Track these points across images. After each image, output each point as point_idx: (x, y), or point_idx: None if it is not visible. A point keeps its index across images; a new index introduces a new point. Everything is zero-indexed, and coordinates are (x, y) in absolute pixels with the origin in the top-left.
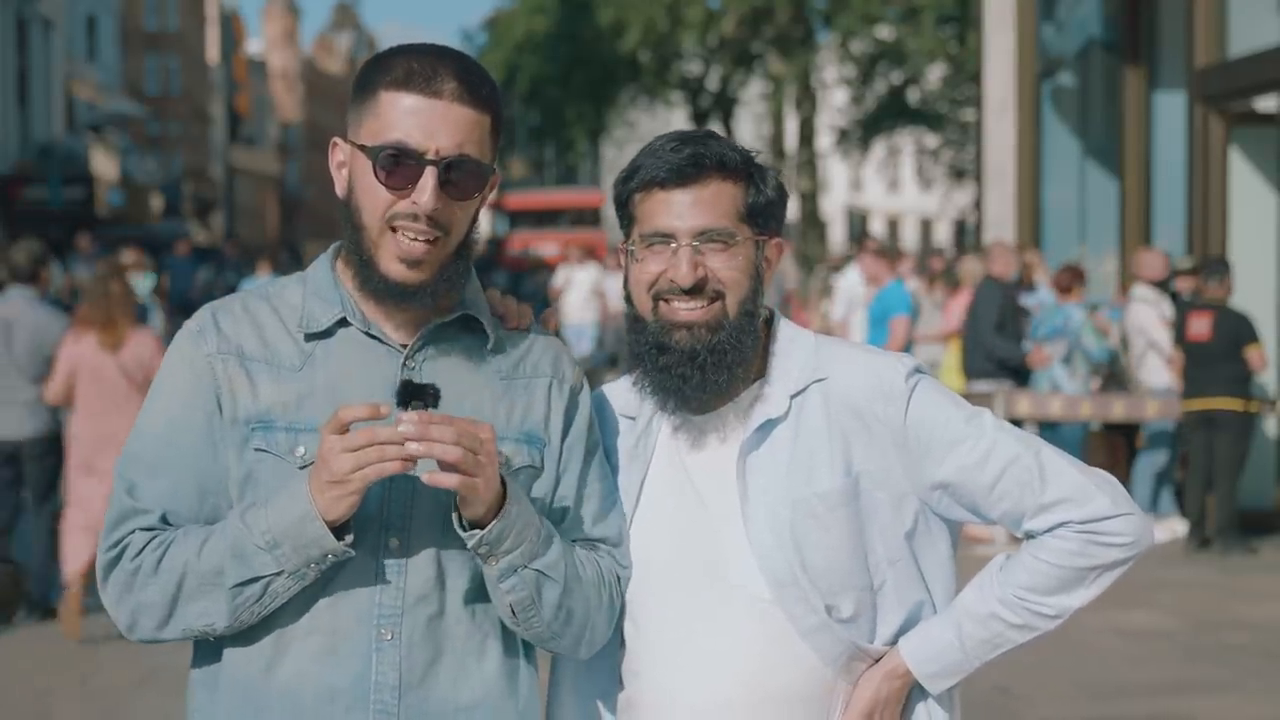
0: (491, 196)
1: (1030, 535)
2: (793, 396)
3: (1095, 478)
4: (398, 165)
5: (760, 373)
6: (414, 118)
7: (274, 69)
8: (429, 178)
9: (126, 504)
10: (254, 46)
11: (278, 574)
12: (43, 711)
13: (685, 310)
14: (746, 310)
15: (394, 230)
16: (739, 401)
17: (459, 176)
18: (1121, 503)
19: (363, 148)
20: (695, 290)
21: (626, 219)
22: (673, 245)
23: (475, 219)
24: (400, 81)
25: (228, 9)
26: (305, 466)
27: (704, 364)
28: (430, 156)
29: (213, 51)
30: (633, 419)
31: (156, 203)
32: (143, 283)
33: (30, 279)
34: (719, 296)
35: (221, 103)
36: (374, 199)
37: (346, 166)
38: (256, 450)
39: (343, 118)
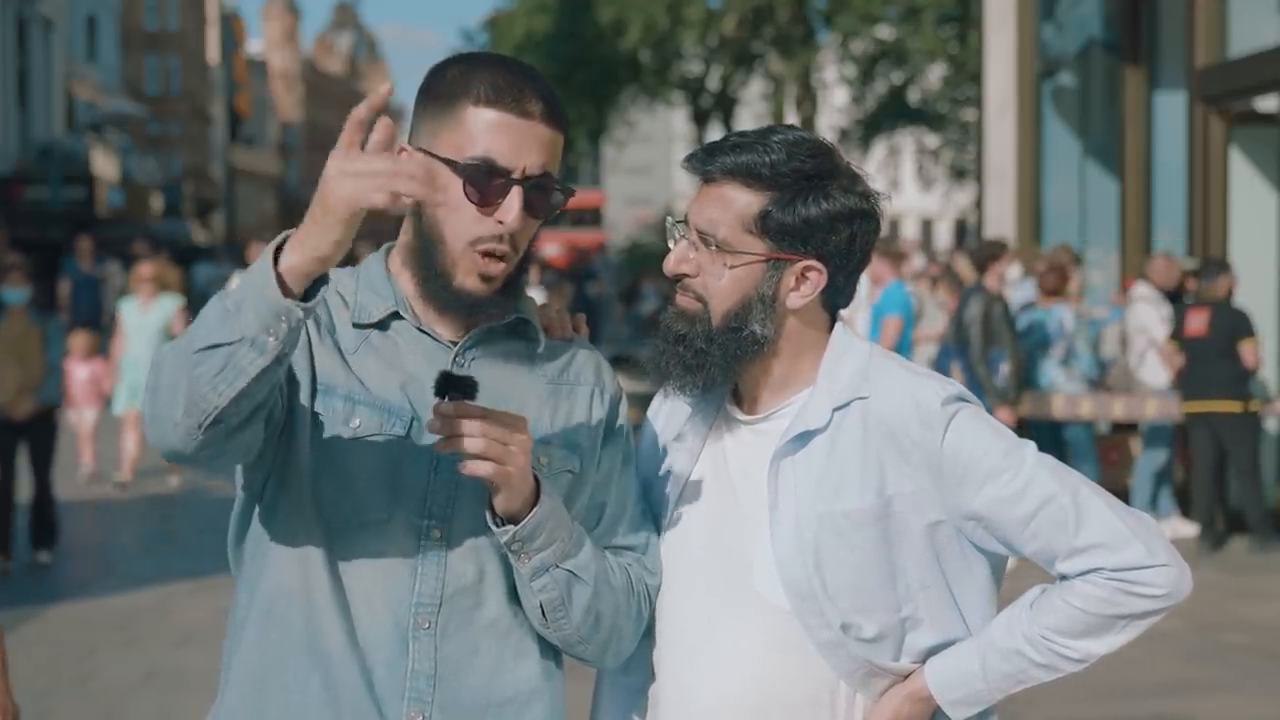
0: None
1: (1063, 577)
2: (835, 410)
3: (1133, 522)
4: (486, 182)
5: (811, 381)
6: (503, 136)
7: (274, 69)
8: (515, 197)
9: None
10: (254, 46)
11: (236, 342)
12: (43, 711)
13: (678, 295)
14: (732, 326)
15: (479, 252)
16: (787, 406)
17: (541, 196)
18: (1158, 552)
19: (449, 162)
20: (678, 281)
21: None
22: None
23: (536, 234)
24: (489, 98)
25: (228, 9)
26: (358, 438)
27: (673, 350)
28: (517, 175)
29: (213, 51)
30: (684, 414)
31: (156, 203)
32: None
33: None
34: (701, 298)
35: (221, 103)
36: (458, 214)
37: None
38: (314, 412)
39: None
